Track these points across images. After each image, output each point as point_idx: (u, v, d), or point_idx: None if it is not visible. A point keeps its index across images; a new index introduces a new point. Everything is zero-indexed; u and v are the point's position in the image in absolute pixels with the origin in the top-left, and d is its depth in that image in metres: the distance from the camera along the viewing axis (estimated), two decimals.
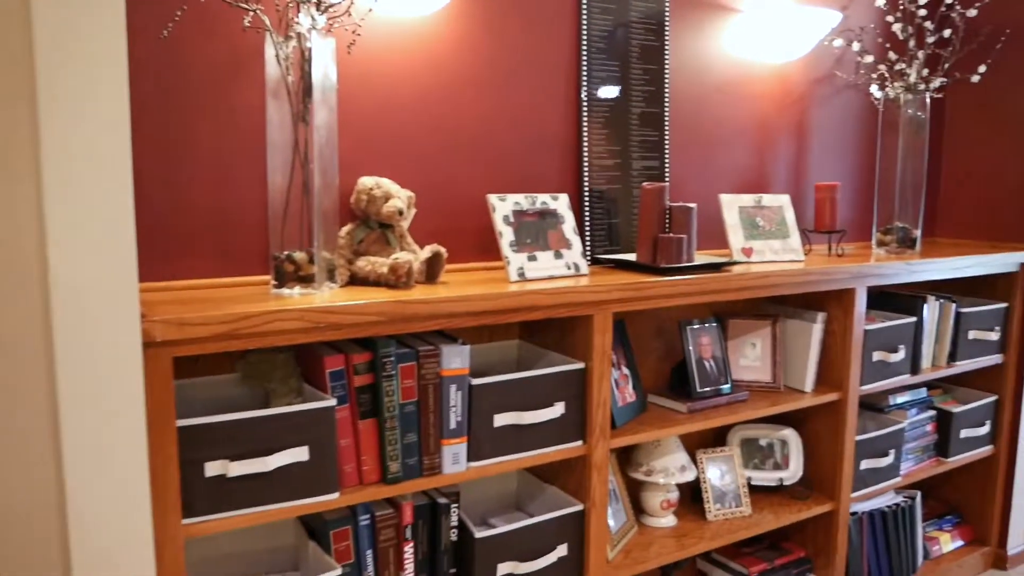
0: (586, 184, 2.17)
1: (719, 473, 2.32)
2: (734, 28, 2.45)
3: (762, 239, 2.32)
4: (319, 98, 1.58)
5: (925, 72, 2.56)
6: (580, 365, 1.84)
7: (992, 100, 2.88)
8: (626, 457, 2.26)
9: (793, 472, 2.41)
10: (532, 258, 1.85)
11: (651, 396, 2.21)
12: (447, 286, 1.72)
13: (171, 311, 1.36)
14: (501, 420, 1.73)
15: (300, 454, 1.49)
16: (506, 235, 1.83)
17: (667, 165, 2.33)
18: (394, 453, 1.62)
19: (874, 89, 2.65)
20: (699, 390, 2.16)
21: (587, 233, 2.18)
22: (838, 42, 2.64)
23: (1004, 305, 2.85)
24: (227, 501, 1.44)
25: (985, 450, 2.91)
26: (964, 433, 2.81)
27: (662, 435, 2.01)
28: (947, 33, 2.65)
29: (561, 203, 1.96)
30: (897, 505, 2.68)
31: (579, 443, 1.86)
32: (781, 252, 2.33)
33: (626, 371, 2.09)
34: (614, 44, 2.18)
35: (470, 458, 1.71)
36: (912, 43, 2.61)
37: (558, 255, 1.90)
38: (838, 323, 2.37)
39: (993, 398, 2.90)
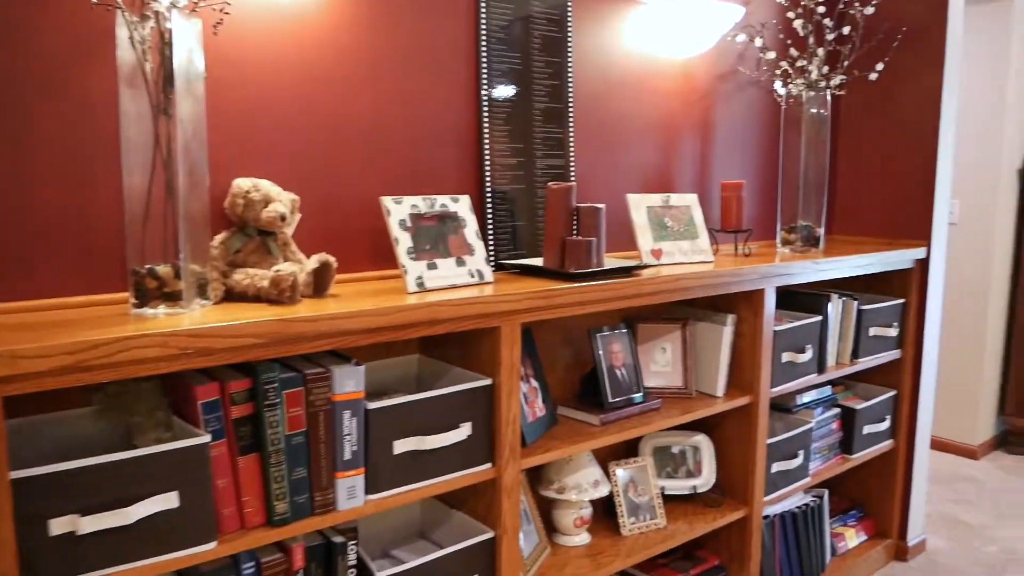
0: (488, 184, 2.03)
1: (633, 485, 2.22)
2: (638, 21, 2.36)
3: (671, 240, 2.24)
4: (183, 87, 1.37)
5: (825, 69, 2.54)
6: (487, 381, 1.69)
7: (887, 98, 2.90)
8: (536, 474, 2.13)
9: (706, 479, 2.35)
10: (432, 266, 1.69)
11: (561, 408, 2.09)
12: (338, 300, 1.54)
13: (2, 340, 1.13)
14: (402, 446, 1.57)
15: (168, 500, 1.28)
16: (403, 241, 1.66)
17: (572, 164, 2.22)
18: (281, 491, 1.43)
19: (777, 86, 2.62)
20: (611, 400, 2.05)
21: (491, 237, 2.04)
22: (741, 37, 2.60)
23: (901, 301, 2.88)
24: (80, 563, 1.22)
25: (886, 445, 2.94)
26: (867, 429, 2.82)
27: (575, 451, 1.89)
28: (846, 30, 2.64)
29: (462, 205, 1.81)
30: (806, 505, 2.66)
31: (488, 466, 1.71)
32: (691, 253, 2.25)
33: (535, 383, 1.96)
34: (515, 35, 2.05)
35: (368, 490, 1.54)
36: (812, 40, 2.59)
37: (460, 262, 1.75)
38: (748, 325, 2.31)
39: (892, 393, 2.94)
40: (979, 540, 3.23)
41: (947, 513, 3.48)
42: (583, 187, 2.29)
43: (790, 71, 2.63)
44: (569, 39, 2.17)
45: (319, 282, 1.56)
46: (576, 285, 1.77)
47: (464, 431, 1.65)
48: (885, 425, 2.91)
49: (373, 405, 1.52)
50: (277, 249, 1.61)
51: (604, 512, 2.28)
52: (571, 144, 2.20)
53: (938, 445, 4.28)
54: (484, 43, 1.99)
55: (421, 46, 1.90)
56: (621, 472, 2.21)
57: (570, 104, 2.19)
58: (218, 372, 1.43)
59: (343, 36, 1.78)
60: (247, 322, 1.31)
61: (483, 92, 2.00)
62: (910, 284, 2.90)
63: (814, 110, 2.54)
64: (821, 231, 2.60)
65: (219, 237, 1.57)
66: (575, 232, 1.94)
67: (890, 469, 3.00)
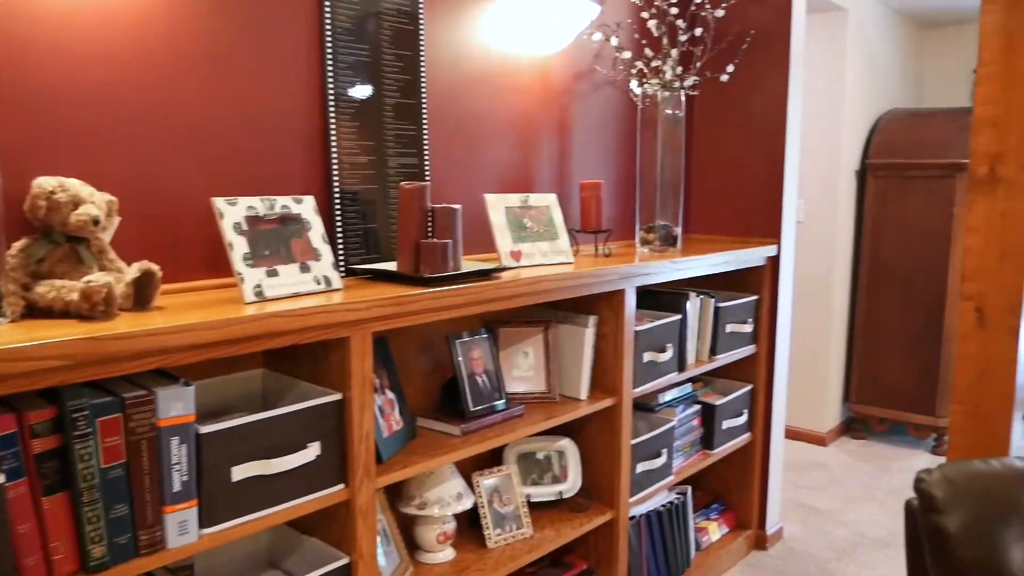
0: (336, 184, 1.90)
1: (498, 495, 2.15)
2: (494, 16, 2.29)
3: (531, 241, 2.18)
4: None
5: (679, 70, 2.56)
6: (337, 396, 1.57)
7: (738, 100, 2.97)
8: (396, 490, 2.02)
9: (572, 484, 2.31)
10: (272, 273, 1.55)
11: (420, 419, 1.99)
12: (163, 313, 1.38)
13: None
14: (242, 472, 1.42)
15: None
16: (238, 246, 1.51)
17: (427, 163, 2.12)
18: (97, 533, 1.26)
19: (633, 85, 2.62)
20: (473, 409, 1.97)
21: (339, 240, 1.91)
22: (597, 36, 2.58)
23: (755, 298, 2.96)
24: None
25: (744, 438, 3.01)
26: (726, 424, 2.88)
27: (435, 464, 1.79)
28: (699, 32, 2.68)
29: (306, 206, 1.67)
30: (671, 503, 2.68)
31: (340, 487, 1.59)
32: (551, 254, 2.21)
33: (391, 395, 1.85)
34: (363, 26, 1.93)
35: (203, 524, 1.39)
36: (666, 41, 2.61)
37: (305, 268, 1.61)
38: (609, 326, 2.29)
39: (748, 387, 3.01)
40: (831, 524, 3.37)
41: (801, 500, 3.63)
42: (439, 187, 2.20)
43: (645, 71, 2.64)
44: (421, 32, 2.07)
45: (141, 294, 1.39)
46: (432, 290, 1.68)
47: (312, 451, 1.53)
48: (743, 419, 2.98)
49: (205, 429, 1.37)
50: (91, 257, 1.43)
51: (469, 525, 2.19)
52: (425, 142, 2.11)
53: (790, 434, 4.47)
54: (329, 34, 1.86)
55: (258, 35, 1.75)
56: (485, 482, 2.14)
57: (423, 100, 2.09)
58: (16, 401, 1.24)
59: (169, 20, 1.60)
60: (50, 342, 1.14)
61: (329, 86, 1.87)
62: (763, 281, 2.98)
63: (669, 110, 2.55)
64: (679, 230, 2.63)
65: (18, 244, 1.37)
66: (430, 234, 1.85)
67: (748, 461, 3.08)
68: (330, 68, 1.87)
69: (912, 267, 4.27)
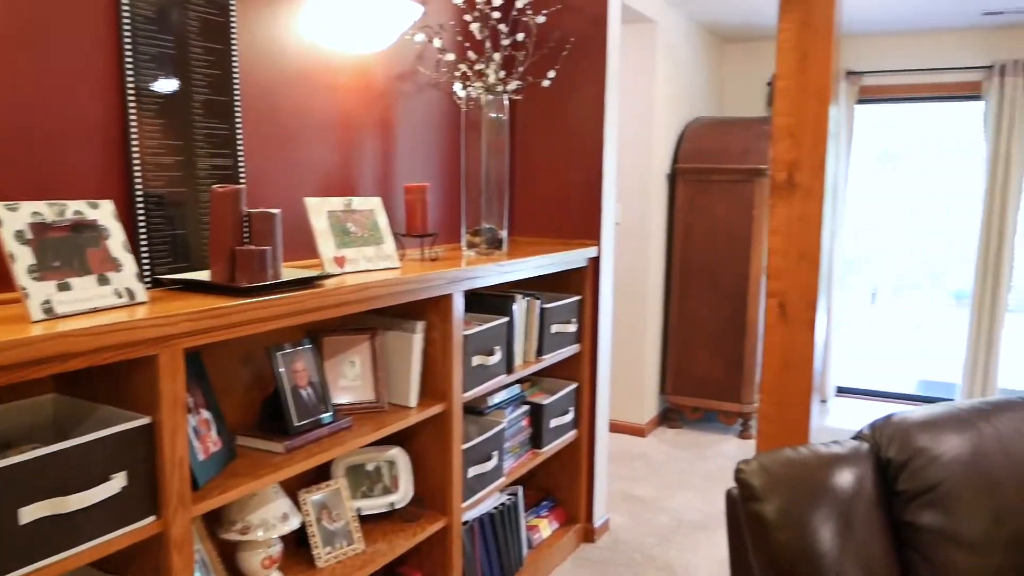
0: (139, 187, 1.74)
1: (327, 512, 2.06)
2: (313, 11, 2.19)
3: (355, 246, 2.11)
4: None
5: (502, 74, 2.58)
6: (144, 420, 1.43)
7: (559, 105, 3.04)
8: (215, 516, 1.88)
9: (404, 494, 2.26)
10: (64, 286, 1.39)
11: (241, 438, 1.87)
12: None
13: None
14: (32, 513, 1.26)
15: None
16: (21, 258, 1.34)
17: (241, 164, 2.00)
18: None
19: (457, 88, 2.60)
20: (297, 424, 1.87)
21: (144, 249, 1.75)
22: (420, 37, 2.54)
23: (578, 298, 3.04)
24: None
25: (571, 435, 3.09)
26: (554, 423, 2.93)
27: (259, 486, 1.68)
28: (521, 37, 2.71)
29: (103, 212, 1.52)
30: (503, 504, 2.69)
31: (151, 519, 1.45)
32: (376, 260, 2.14)
33: (207, 415, 1.72)
34: (167, 15, 1.78)
35: None
36: (489, 44, 2.62)
37: (103, 280, 1.46)
38: (438, 331, 2.26)
39: (574, 386, 3.09)
40: (652, 512, 3.53)
41: (624, 490, 3.77)
42: (255, 190, 2.08)
43: (469, 74, 2.63)
44: (233, 24, 1.94)
45: None
46: (249, 301, 1.57)
47: (117, 483, 1.38)
48: (569, 417, 3.05)
49: None
50: None
51: (297, 545, 2.09)
52: (239, 142, 1.98)
53: (613, 427, 4.64)
54: (128, 23, 1.70)
55: (42, 23, 1.57)
56: (313, 499, 2.04)
57: (236, 97, 1.97)
58: None
59: None
60: None
61: (129, 80, 1.71)
62: (585, 282, 3.06)
63: (493, 114, 2.56)
64: (504, 233, 2.64)
65: None
66: (247, 241, 1.74)
67: (576, 457, 3.16)
68: (129, 60, 1.71)
69: (718, 265, 4.56)
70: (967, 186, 5.36)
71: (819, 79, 2.07)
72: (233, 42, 1.95)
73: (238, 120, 1.97)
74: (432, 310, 2.25)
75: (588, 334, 3.10)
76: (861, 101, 5.33)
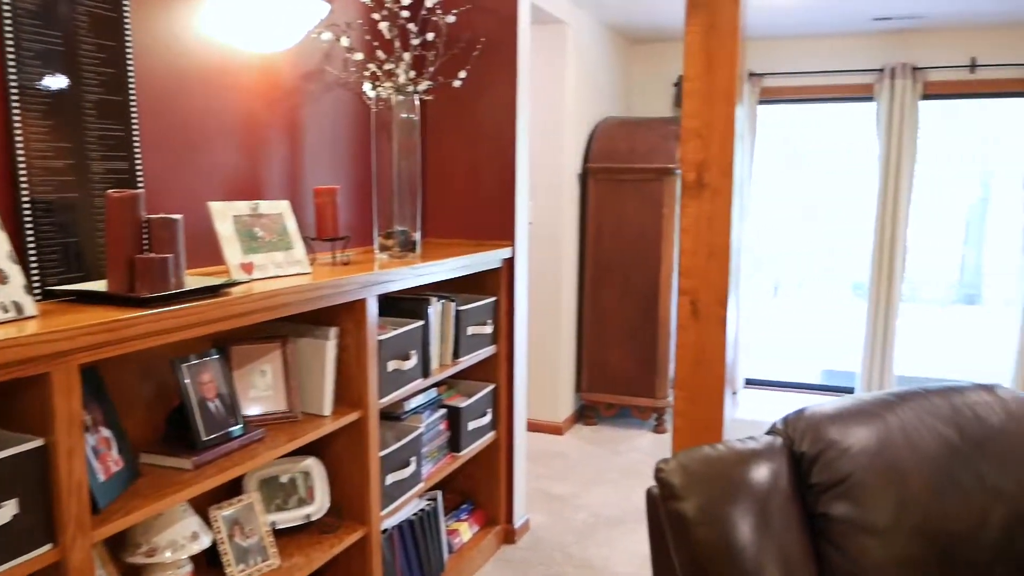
0: (25, 192, 1.63)
1: (239, 528, 1.98)
2: (214, 7, 2.11)
3: (263, 252, 2.04)
4: None
5: (412, 74, 2.54)
6: (37, 442, 1.34)
7: (471, 106, 3.02)
8: (119, 539, 1.78)
9: (320, 505, 2.20)
10: None
11: (144, 456, 1.78)
12: None
13: None
14: None
15: None
16: None
17: (139, 167, 1.90)
18: None
19: (367, 88, 2.55)
20: (205, 438, 1.79)
21: (33, 259, 1.64)
22: (326, 35, 2.47)
23: (493, 299, 3.03)
24: None
25: (489, 437, 3.07)
26: (472, 425, 2.91)
27: (165, 505, 1.60)
28: (431, 37, 2.67)
29: None
30: (422, 510, 2.66)
31: (47, 547, 1.36)
32: (285, 265, 2.08)
33: (107, 433, 1.62)
34: (53, 9, 1.67)
35: None
36: (398, 44, 2.58)
37: None
38: (352, 337, 2.21)
39: (491, 387, 3.07)
40: (571, 509, 3.56)
41: (543, 489, 3.79)
42: (155, 195, 1.98)
43: (379, 74, 2.58)
44: (127, 20, 1.84)
45: None
46: (151, 312, 1.50)
47: (8, 511, 1.29)
48: (487, 419, 3.03)
49: None
50: None
51: (208, 565, 2.00)
52: (136, 144, 1.88)
53: (530, 427, 4.66)
54: (9, 16, 1.59)
55: None
56: (224, 515, 1.96)
57: (132, 97, 1.87)
58: None
59: None
60: None
61: (11, 78, 1.60)
62: (499, 282, 3.06)
63: (404, 114, 2.52)
64: (417, 235, 2.60)
65: None
66: (147, 249, 1.65)
67: (494, 459, 3.15)
68: (12, 56, 1.60)
69: (630, 262, 4.64)
70: (863, 183, 5.62)
71: (725, 81, 2.12)
72: (127, 39, 1.85)
73: (135, 121, 1.87)
74: (345, 316, 2.20)
75: (504, 335, 3.10)
76: (763, 101, 5.51)
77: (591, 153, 4.69)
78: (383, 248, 2.57)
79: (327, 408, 2.16)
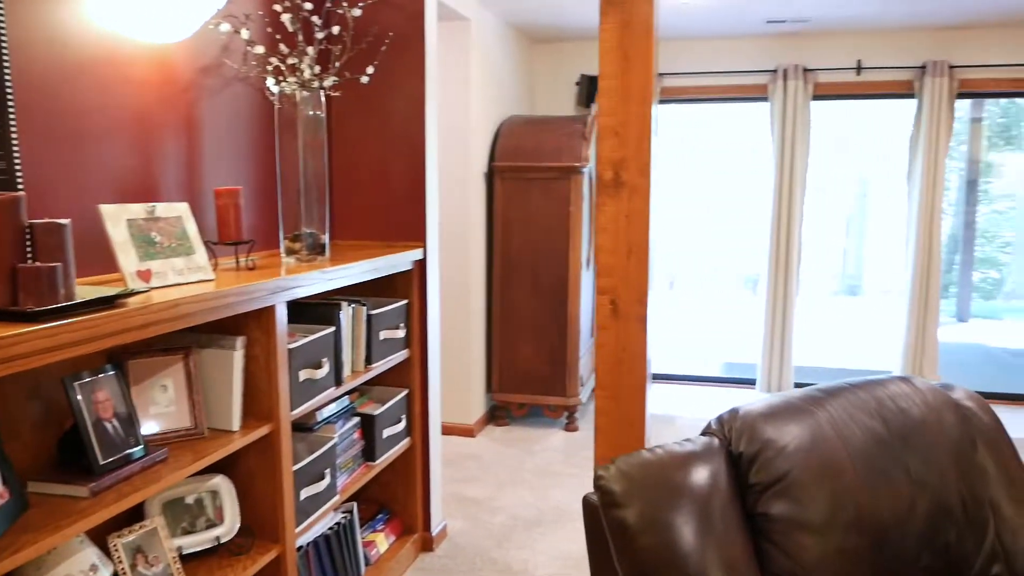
0: None
1: (142, 556, 1.84)
2: None
3: (162, 258, 1.90)
4: None
5: (317, 69, 2.43)
6: None
7: (379, 103, 2.92)
8: None
9: (230, 526, 2.07)
10: None
11: (34, 484, 1.62)
12: None
13: None
14: None
15: None
16: None
17: (18, 168, 1.73)
18: None
19: (270, 83, 2.42)
20: (103, 462, 1.65)
21: None
22: (224, 27, 2.33)
23: (405, 302, 2.94)
24: None
25: (404, 444, 2.99)
26: (386, 432, 2.83)
27: (60, 539, 1.46)
28: (336, 30, 2.56)
29: None
30: (338, 524, 2.55)
31: None
32: (187, 272, 1.94)
33: None
34: None
35: None
36: (302, 37, 2.46)
37: None
38: (260, 346, 2.09)
39: (405, 392, 2.99)
40: (488, 513, 3.51)
41: (459, 493, 3.73)
42: (38, 198, 1.81)
43: (282, 68, 2.46)
44: (0, 9, 1.67)
45: None
46: (40, 328, 1.36)
47: None
48: (402, 425, 2.95)
49: None
50: None
51: None
52: (15, 142, 1.71)
53: (443, 429, 4.58)
54: None
55: None
56: (125, 544, 1.82)
57: (9, 91, 1.70)
58: None
59: None
60: None
61: None
62: (411, 285, 2.98)
63: (309, 111, 2.41)
64: (326, 238, 2.50)
65: None
66: (31, 258, 1.50)
67: (410, 466, 3.07)
68: None
69: (538, 261, 4.63)
70: (758, 181, 5.81)
71: (641, 78, 2.12)
72: (1, 28, 1.68)
73: (12, 118, 1.71)
74: (253, 324, 2.08)
75: (417, 338, 3.02)
76: (663, 101, 5.62)
77: (497, 152, 4.65)
78: (290, 252, 2.46)
79: (235, 422, 2.04)
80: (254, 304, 1.99)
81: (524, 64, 5.42)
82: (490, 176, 4.73)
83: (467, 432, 4.57)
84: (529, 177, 4.60)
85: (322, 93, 2.43)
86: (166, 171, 2.21)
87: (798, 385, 5.60)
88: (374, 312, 2.69)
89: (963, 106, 7.19)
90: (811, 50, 5.31)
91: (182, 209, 2.02)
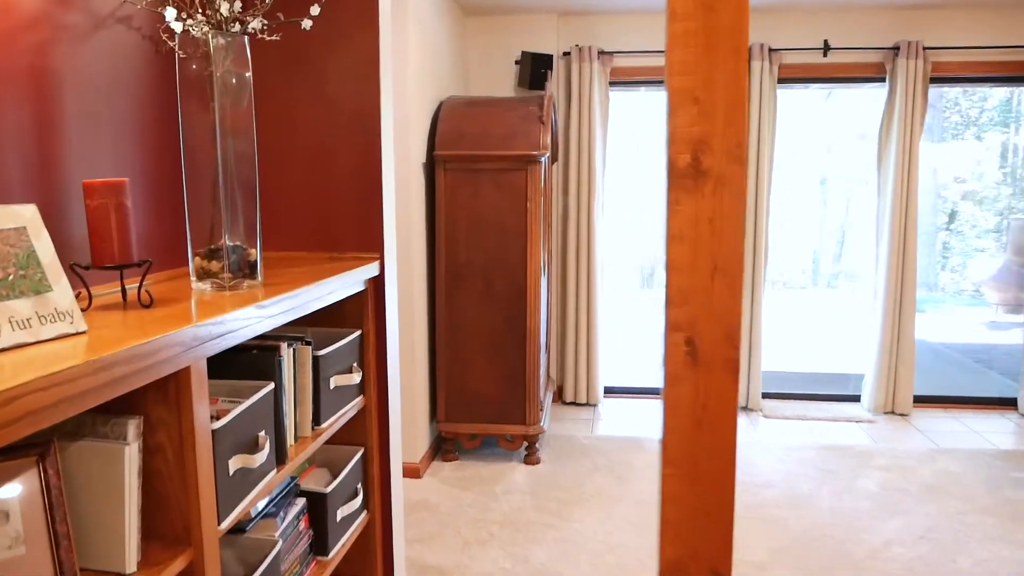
0: None
1: None
2: None
3: None
4: None
5: (239, 5, 1.65)
6: None
7: (319, 62, 2.15)
8: None
9: None
10: None
11: None
12: None
13: None
14: None
15: None
16: None
17: None
18: None
19: (169, 17, 1.60)
20: None
21: None
22: None
23: (358, 333, 2.20)
24: None
25: (361, 521, 2.25)
26: (341, 513, 2.08)
27: None
28: None
29: None
30: None
31: None
32: (37, 324, 1.16)
33: None
34: None
35: None
36: None
37: None
38: (167, 431, 1.32)
39: (360, 452, 2.25)
40: None
41: (419, 561, 2.99)
42: None
43: (184, 3, 1.67)
44: None
45: None
46: None
47: None
48: (358, 499, 2.20)
49: None
50: None
51: None
52: None
53: None
54: None
55: None
56: None
57: None
58: None
59: None
60: None
61: None
62: (364, 310, 2.23)
63: (229, 68, 1.63)
64: (257, 253, 1.73)
65: None
66: None
67: (367, 548, 2.32)
68: None
69: (490, 266, 3.93)
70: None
71: (733, 17, 1.46)
72: None
73: None
74: (154, 398, 1.31)
75: (374, 381, 2.28)
76: (614, 83, 5.01)
77: (438, 138, 3.91)
78: (204, 274, 1.67)
79: (130, 559, 1.26)
80: (157, 371, 1.22)
81: (458, 39, 4.70)
82: (430, 167, 4.00)
83: (412, 472, 3.83)
84: (477, 168, 3.89)
85: (247, 41, 1.65)
86: (1, 154, 1.40)
87: (767, 396, 5.12)
88: (322, 352, 1.94)
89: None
90: (775, 29, 4.82)
91: (26, 215, 1.23)
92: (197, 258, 1.67)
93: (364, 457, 2.28)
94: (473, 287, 3.95)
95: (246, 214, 1.70)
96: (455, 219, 3.92)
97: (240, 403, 1.54)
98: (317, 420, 1.94)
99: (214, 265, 1.66)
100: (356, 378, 2.12)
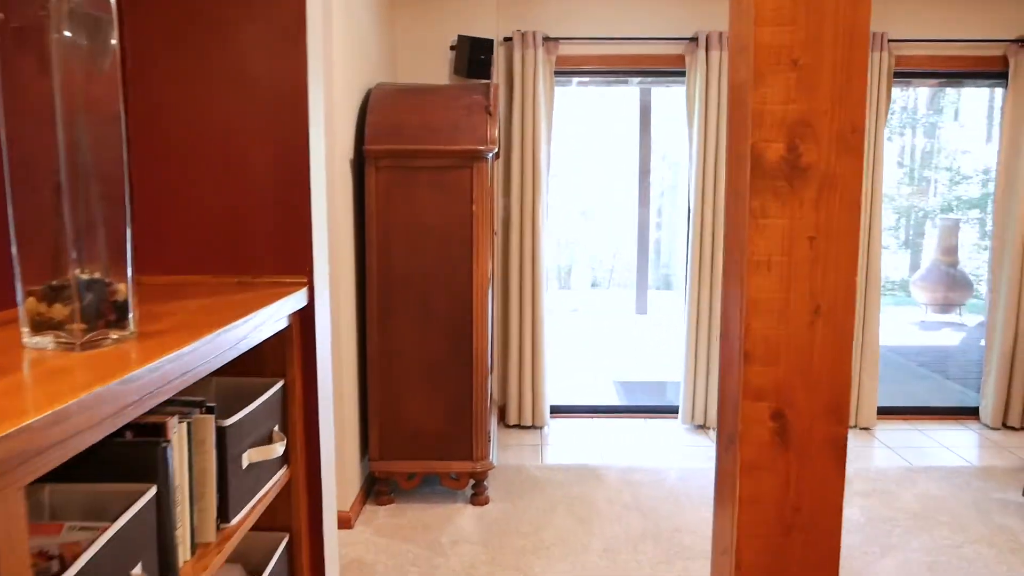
0: None
1: None
2: None
3: None
4: None
5: None
6: None
7: (219, 24, 1.58)
8: None
9: None
10: None
11: None
12: None
13: None
14: None
15: None
16: None
17: None
18: None
19: None
20: None
21: None
22: None
23: (280, 384, 1.64)
24: None
25: None
26: None
27: None
28: None
29: None
30: None
31: None
32: None
33: None
34: None
35: None
36: None
37: None
38: None
39: (284, 541, 1.69)
40: None
41: None
42: None
43: None
44: None
45: None
46: None
47: None
48: None
49: None
50: None
51: None
52: None
53: None
54: None
55: None
56: None
57: None
58: None
59: None
60: None
61: None
62: (288, 351, 1.67)
63: (76, 17, 1.06)
64: (128, 288, 1.16)
65: None
66: None
67: None
68: None
69: (430, 279, 3.39)
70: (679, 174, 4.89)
71: None
72: None
73: None
74: None
75: (302, 446, 1.72)
76: (559, 73, 4.54)
77: (368, 130, 3.36)
78: (42, 325, 1.09)
79: None
80: None
81: (385, 21, 4.14)
82: (359, 164, 3.43)
83: (343, 522, 3.26)
84: (415, 166, 3.35)
85: None
86: None
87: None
88: (230, 422, 1.38)
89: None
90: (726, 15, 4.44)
91: None
92: (31, 300, 1.09)
93: (290, 546, 1.72)
94: (410, 305, 3.41)
95: (110, 230, 1.13)
96: (388, 226, 3.37)
97: (99, 529, 0.97)
98: (225, 516, 1.38)
99: (57, 310, 1.08)
100: (279, 449, 1.56)
